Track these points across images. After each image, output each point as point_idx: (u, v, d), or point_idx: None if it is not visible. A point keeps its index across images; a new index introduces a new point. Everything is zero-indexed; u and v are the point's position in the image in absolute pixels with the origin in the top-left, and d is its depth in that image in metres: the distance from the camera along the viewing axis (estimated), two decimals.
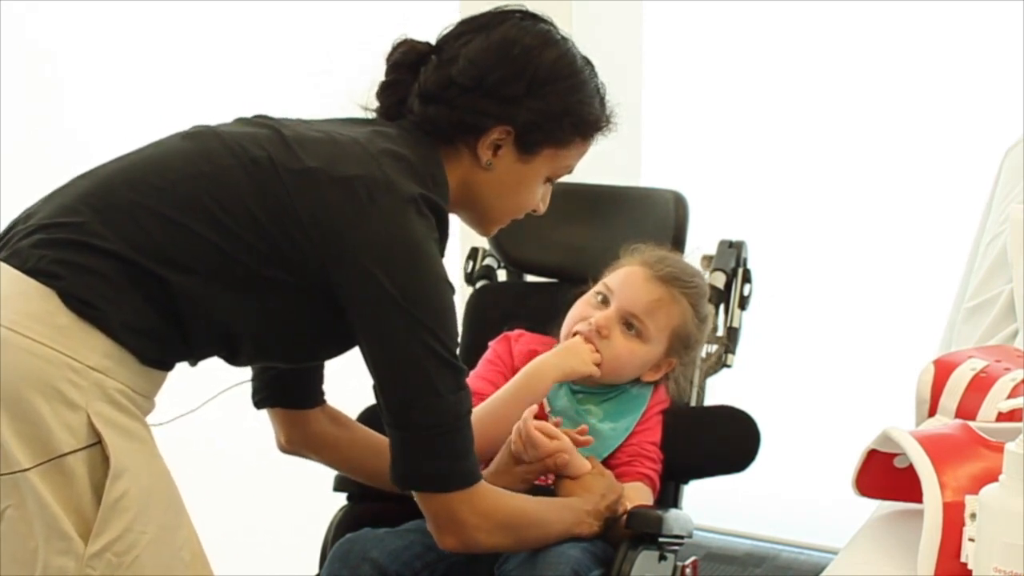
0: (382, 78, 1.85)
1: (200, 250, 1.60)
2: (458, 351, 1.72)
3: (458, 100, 1.77)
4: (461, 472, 1.71)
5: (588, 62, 1.86)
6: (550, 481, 1.99)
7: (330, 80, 1.77)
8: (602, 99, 1.86)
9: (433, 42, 1.84)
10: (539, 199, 1.88)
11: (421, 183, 1.70)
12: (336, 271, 1.64)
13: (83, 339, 1.53)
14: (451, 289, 1.70)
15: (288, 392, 1.94)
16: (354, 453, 1.99)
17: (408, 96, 1.81)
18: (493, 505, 1.75)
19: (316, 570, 2.00)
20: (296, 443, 1.98)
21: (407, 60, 1.83)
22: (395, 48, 1.85)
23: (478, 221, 1.89)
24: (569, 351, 2.06)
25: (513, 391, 2.03)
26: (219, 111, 1.82)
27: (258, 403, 1.95)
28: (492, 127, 1.78)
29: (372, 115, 1.86)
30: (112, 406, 1.54)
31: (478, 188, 1.82)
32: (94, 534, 1.51)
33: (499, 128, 1.78)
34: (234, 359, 1.74)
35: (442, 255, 1.72)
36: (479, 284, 2.45)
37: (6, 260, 1.57)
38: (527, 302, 2.37)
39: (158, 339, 1.60)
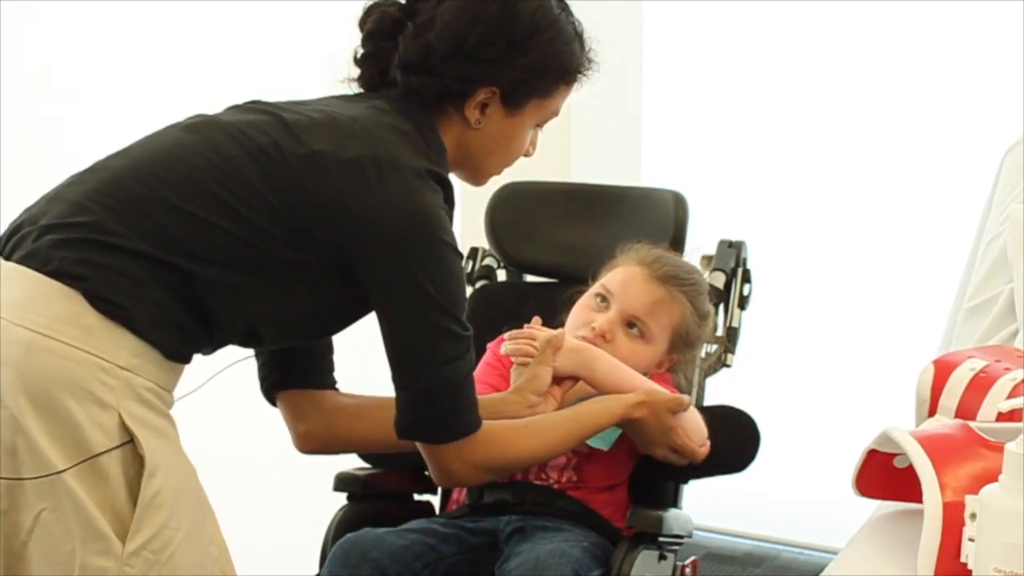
0: (359, 48, 1.84)
1: (218, 240, 1.61)
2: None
3: (440, 68, 1.76)
4: (453, 427, 1.74)
5: (562, 4, 1.84)
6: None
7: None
8: (581, 39, 1.86)
9: (403, 1, 1.81)
10: (528, 144, 1.89)
11: (426, 156, 1.72)
12: (352, 249, 1.66)
13: (111, 338, 1.53)
14: (459, 256, 1.72)
15: (303, 370, 1.89)
16: (370, 414, 1.89)
17: (389, 66, 1.80)
18: (484, 455, 1.78)
19: (316, 570, 2.00)
20: (314, 435, 1.89)
21: (382, 27, 1.81)
22: (367, 14, 1.83)
23: (472, 175, 1.90)
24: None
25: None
26: (213, 100, 1.81)
27: (272, 386, 1.89)
28: (477, 90, 1.78)
29: (356, 87, 1.85)
30: (141, 404, 1.55)
31: (470, 147, 1.83)
32: (131, 532, 1.52)
33: (485, 89, 1.78)
34: (257, 343, 1.75)
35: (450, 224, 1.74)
36: (479, 284, 2.44)
37: (22, 262, 1.56)
38: (527, 302, 2.36)
39: (183, 332, 1.60)
